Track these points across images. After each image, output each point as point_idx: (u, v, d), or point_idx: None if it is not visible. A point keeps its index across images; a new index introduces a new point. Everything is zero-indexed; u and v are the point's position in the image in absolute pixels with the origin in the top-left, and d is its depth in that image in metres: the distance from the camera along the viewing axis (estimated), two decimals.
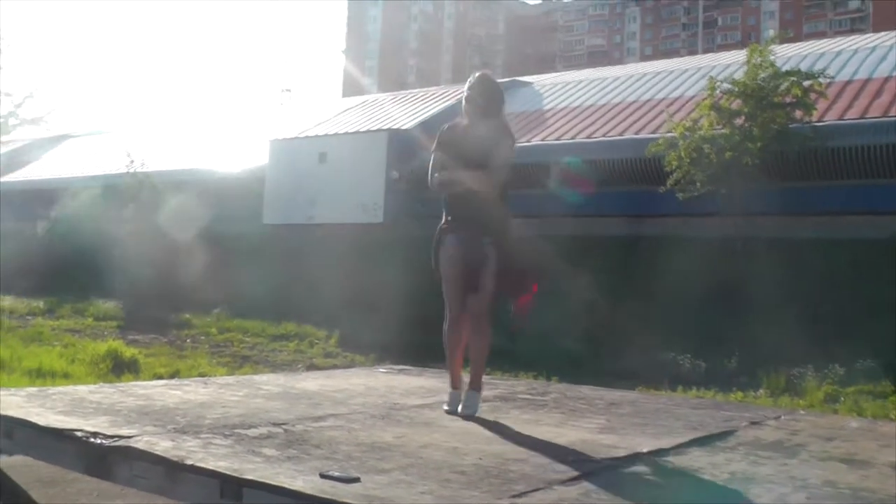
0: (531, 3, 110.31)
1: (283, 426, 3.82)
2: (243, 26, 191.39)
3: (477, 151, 4.59)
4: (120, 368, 10.10)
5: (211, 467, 2.89)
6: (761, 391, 11.00)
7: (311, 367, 13.16)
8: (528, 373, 11.01)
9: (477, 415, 4.38)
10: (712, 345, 13.28)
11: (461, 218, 4.60)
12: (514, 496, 2.77)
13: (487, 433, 3.76)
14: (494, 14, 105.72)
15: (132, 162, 23.74)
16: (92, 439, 3.34)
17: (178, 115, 45.00)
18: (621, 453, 3.33)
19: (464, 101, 4.82)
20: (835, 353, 12.11)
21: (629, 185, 17.88)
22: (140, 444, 3.23)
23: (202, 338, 15.65)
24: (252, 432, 3.64)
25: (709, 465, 3.33)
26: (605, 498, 2.82)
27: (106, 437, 3.35)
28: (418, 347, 13.91)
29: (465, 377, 4.66)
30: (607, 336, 13.84)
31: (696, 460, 3.35)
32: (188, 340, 15.07)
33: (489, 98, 4.76)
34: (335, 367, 13.64)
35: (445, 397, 4.70)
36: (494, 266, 4.48)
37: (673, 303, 15.30)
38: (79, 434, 3.41)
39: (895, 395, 10.82)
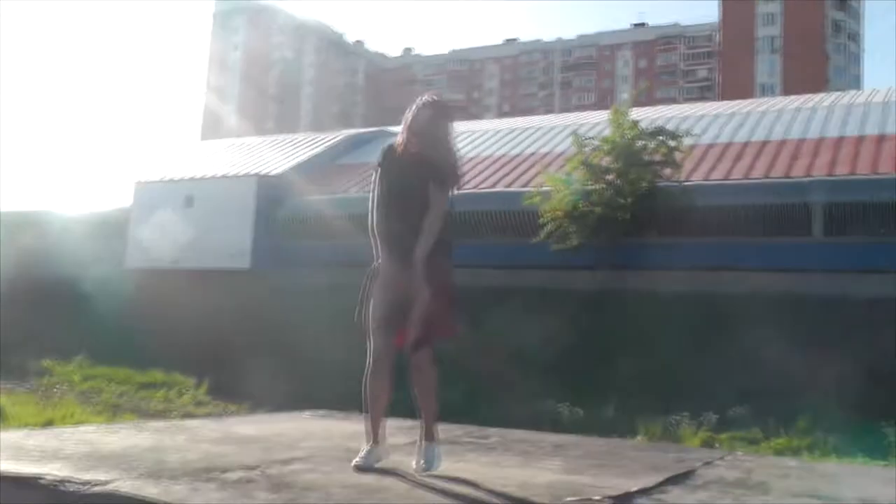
0: (391, 55, 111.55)
1: (256, 470, 3.68)
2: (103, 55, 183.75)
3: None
4: None
5: None
6: (639, 438, 11.33)
7: (187, 416, 12.77)
8: (415, 419, 10.94)
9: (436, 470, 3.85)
10: (587, 393, 13.63)
11: (396, 250, 4.01)
12: None
13: (468, 475, 3.74)
14: (354, 65, 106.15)
15: None
16: (63, 487, 3.15)
17: (33, 152, 43.11)
18: (611, 492, 3.38)
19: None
20: (706, 401, 12.65)
21: (503, 237, 18.16)
22: (125, 488, 3.07)
23: (65, 386, 14.94)
24: (230, 476, 3.49)
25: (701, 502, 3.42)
26: None
27: (80, 483, 3.17)
28: (293, 396, 13.70)
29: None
30: (483, 384, 13.98)
31: (683, 498, 3.43)
32: (53, 388, 14.33)
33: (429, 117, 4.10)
34: (209, 415, 13.22)
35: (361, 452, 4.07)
36: (427, 299, 3.89)
37: (546, 353, 15.63)
38: (43, 482, 3.21)
39: (766, 442, 11.41)
